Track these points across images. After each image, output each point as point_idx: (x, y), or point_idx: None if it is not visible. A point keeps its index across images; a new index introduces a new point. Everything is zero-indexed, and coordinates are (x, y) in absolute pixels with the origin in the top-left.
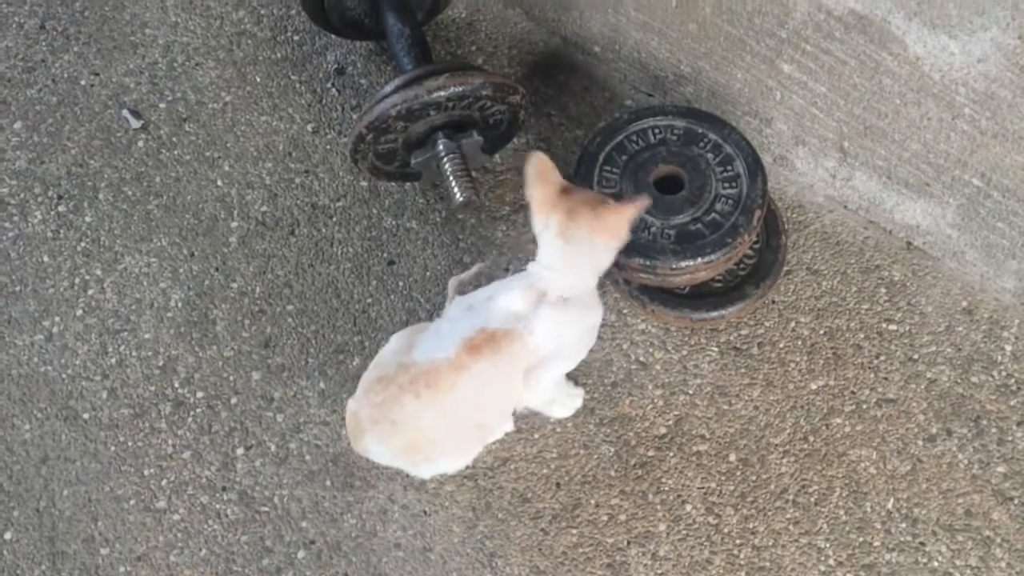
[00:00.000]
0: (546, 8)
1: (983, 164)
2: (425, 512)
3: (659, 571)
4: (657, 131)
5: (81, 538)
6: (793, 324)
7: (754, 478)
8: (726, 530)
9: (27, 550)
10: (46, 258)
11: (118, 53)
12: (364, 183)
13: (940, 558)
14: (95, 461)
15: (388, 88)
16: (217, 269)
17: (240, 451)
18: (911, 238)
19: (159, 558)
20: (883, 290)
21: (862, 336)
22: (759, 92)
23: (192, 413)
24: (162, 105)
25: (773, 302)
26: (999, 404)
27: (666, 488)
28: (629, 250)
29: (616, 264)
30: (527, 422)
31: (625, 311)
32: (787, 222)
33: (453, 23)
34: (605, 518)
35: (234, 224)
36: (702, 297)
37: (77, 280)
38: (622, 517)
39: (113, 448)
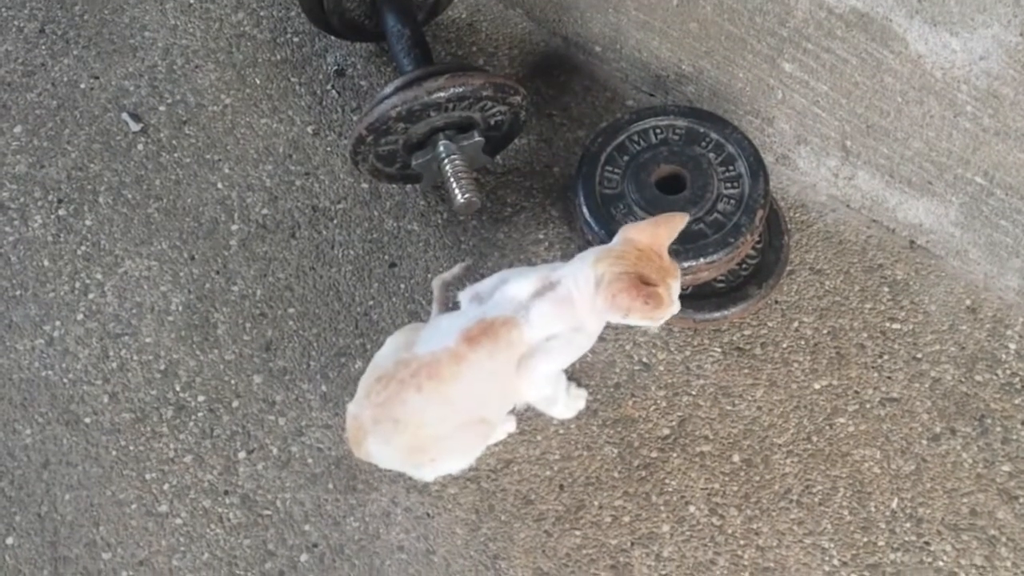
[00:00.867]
0: (547, 8)
1: (986, 162)
2: (428, 514)
3: (663, 572)
4: (659, 131)
5: (83, 543)
6: (796, 324)
7: (758, 478)
8: (730, 531)
9: (29, 555)
10: (46, 262)
11: (117, 56)
12: (365, 185)
13: (945, 557)
14: (97, 465)
15: (388, 89)
16: (218, 272)
17: (242, 455)
18: (914, 237)
19: (161, 562)
20: (886, 289)
21: (865, 335)
22: (761, 91)
23: (194, 417)
24: (162, 108)
25: (776, 302)
26: (1003, 403)
27: (670, 489)
28: None
29: None
30: (530, 424)
31: None
32: (790, 222)
33: (453, 24)
34: (609, 519)
35: (235, 227)
36: (705, 297)
37: (78, 284)
38: (626, 518)
39: (115, 452)
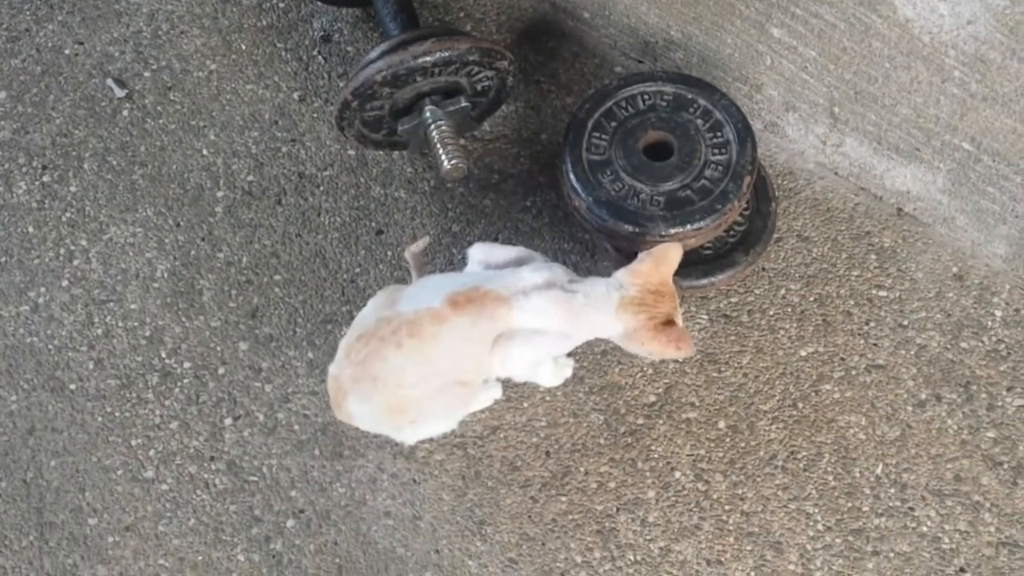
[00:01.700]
0: None
1: (973, 128)
2: (415, 481)
3: (648, 537)
4: (646, 97)
5: (69, 508)
6: (783, 291)
7: (743, 444)
8: (715, 496)
9: (15, 521)
10: (31, 229)
11: (102, 22)
12: (351, 152)
13: (929, 523)
14: (82, 432)
15: (373, 54)
16: (203, 239)
17: (228, 421)
18: (902, 204)
19: (147, 528)
20: (873, 256)
21: (852, 303)
22: (749, 57)
23: (179, 383)
24: (147, 74)
25: (763, 269)
26: (989, 369)
27: (655, 455)
28: (618, 217)
29: (605, 231)
30: (516, 391)
31: None
32: (777, 189)
33: None
34: (594, 485)
35: (220, 194)
36: (691, 264)
37: (62, 251)
38: (611, 484)
39: (100, 419)
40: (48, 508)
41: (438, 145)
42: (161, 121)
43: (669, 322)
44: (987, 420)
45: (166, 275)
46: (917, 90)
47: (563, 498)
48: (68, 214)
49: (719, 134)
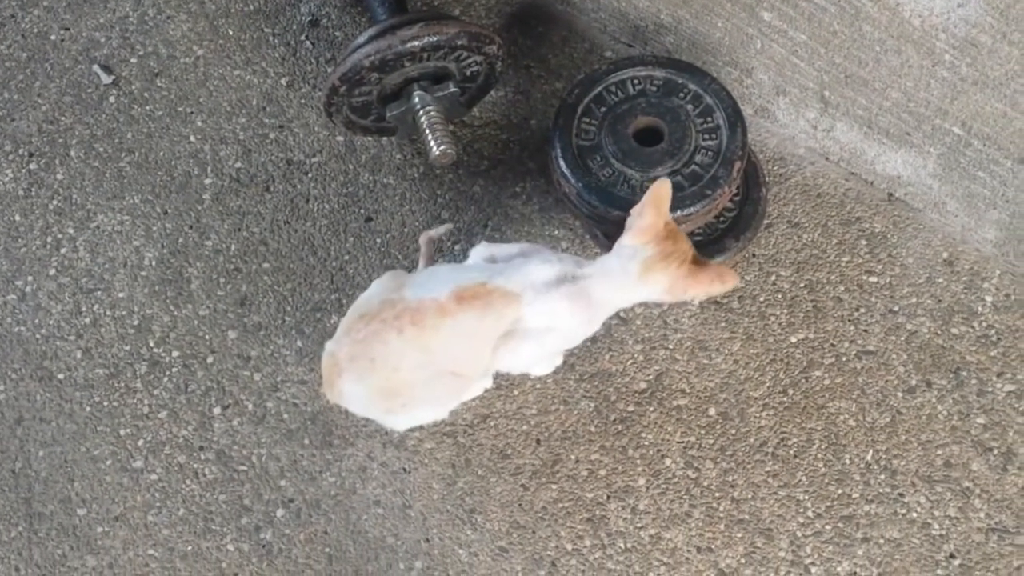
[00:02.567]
0: None
1: (963, 112)
2: (405, 469)
3: (639, 525)
4: (636, 82)
5: (58, 499)
6: (773, 277)
7: (734, 431)
8: (705, 483)
9: (3, 511)
10: (18, 217)
11: (88, 7)
12: (340, 138)
13: (919, 509)
14: (71, 421)
15: (361, 39)
16: (191, 227)
17: (217, 410)
18: (892, 189)
19: (137, 518)
20: (864, 242)
21: (842, 288)
22: (739, 41)
23: (168, 372)
24: (133, 60)
25: (753, 255)
26: (979, 355)
27: (646, 443)
28: (608, 203)
29: (595, 217)
30: (506, 379)
31: None
32: (768, 175)
33: None
34: (585, 473)
35: (208, 181)
36: None
37: (49, 239)
38: (602, 472)
39: (88, 408)
40: (37, 498)
41: (427, 131)
42: (148, 107)
43: (696, 260)
44: (977, 406)
45: (154, 263)
46: (907, 74)
47: (553, 486)
48: (55, 202)
49: (709, 119)
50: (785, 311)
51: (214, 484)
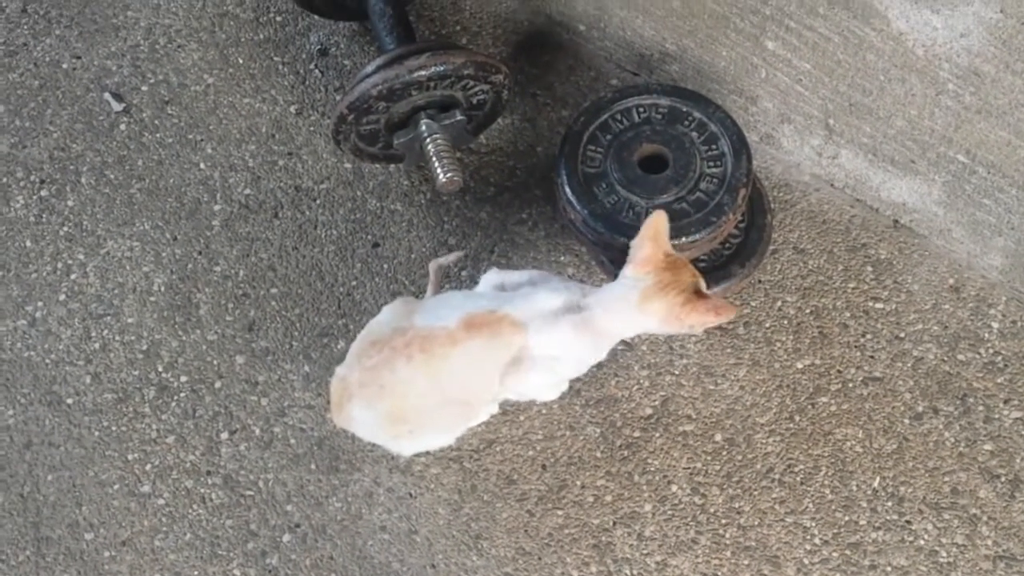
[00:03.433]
0: None
1: (968, 140)
2: (411, 495)
3: (645, 551)
4: (641, 110)
5: (66, 523)
6: (779, 303)
7: (740, 458)
8: (712, 510)
9: (11, 535)
10: (28, 243)
11: (100, 36)
12: (348, 165)
13: (926, 536)
14: (79, 446)
15: (369, 68)
16: (200, 252)
17: (224, 435)
18: (898, 216)
19: (144, 543)
20: (869, 268)
21: (848, 315)
22: (744, 70)
23: (176, 397)
24: (144, 88)
25: (759, 281)
26: (986, 382)
27: (652, 469)
28: (614, 230)
29: (601, 243)
30: (512, 404)
31: None
32: (773, 201)
33: (437, 3)
34: (591, 499)
35: (217, 207)
36: None
37: (60, 265)
38: (608, 498)
39: (97, 433)
40: (45, 523)
41: (434, 158)
42: (158, 135)
43: (697, 292)
44: (984, 432)
45: (163, 289)
46: (912, 102)
47: (559, 512)
48: (66, 228)
49: (714, 147)
50: (791, 337)
51: (221, 509)
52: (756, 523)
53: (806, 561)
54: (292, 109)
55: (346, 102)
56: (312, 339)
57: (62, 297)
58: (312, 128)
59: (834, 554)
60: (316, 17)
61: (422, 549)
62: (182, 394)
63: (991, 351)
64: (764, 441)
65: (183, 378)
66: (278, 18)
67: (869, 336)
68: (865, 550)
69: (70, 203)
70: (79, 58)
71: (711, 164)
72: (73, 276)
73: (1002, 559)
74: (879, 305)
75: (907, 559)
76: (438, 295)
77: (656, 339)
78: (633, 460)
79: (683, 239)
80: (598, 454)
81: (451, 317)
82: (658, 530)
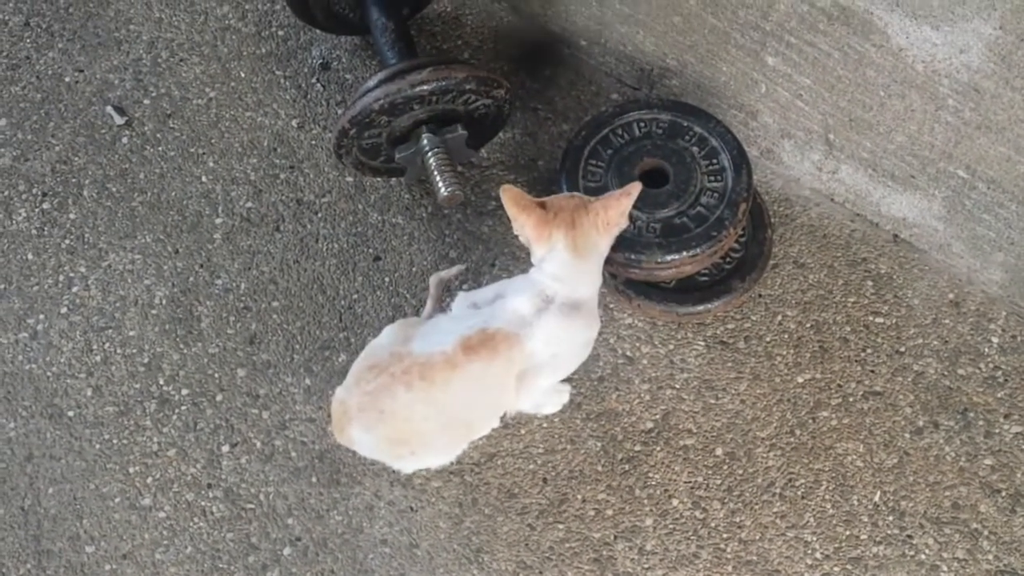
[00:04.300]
0: (532, 2)
1: (968, 155)
2: (411, 508)
3: (646, 565)
4: (642, 124)
5: (66, 536)
6: (780, 318)
7: (741, 472)
8: (713, 524)
9: (12, 548)
10: (30, 256)
11: (102, 50)
12: (349, 179)
13: (927, 551)
14: (80, 459)
15: (371, 82)
16: (202, 266)
17: (225, 448)
18: (898, 231)
19: (144, 556)
20: (870, 283)
21: (849, 329)
22: (744, 85)
23: (177, 410)
24: (146, 101)
25: (759, 296)
26: (986, 396)
27: (653, 482)
28: (615, 245)
29: None
30: (513, 418)
31: (611, 305)
32: (773, 216)
33: (439, 17)
34: (592, 513)
35: (219, 220)
36: (688, 291)
37: (62, 277)
38: (609, 512)
39: (98, 446)
40: (46, 536)
41: (435, 172)
42: (160, 148)
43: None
44: (985, 447)
45: (164, 302)
46: (912, 118)
47: (560, 525)
48: (67, 241)
49: (715, 161)
50: (792, 351)
51: (222, 522)
52: (757, 537)
53: (807, 575)
54: (294, 123)
55: (348, 116)
56: (313, 352)
57: (64, 310)
58: (314, 142)
59: (835, 568)
60: (318, 31)
61: (423, 563)
62: (183, 407)
63: (991, 366)
64: (765, 455)
65: (184, 391)
66: (280, 32)
67: (870, 350)
68: (866, 564)
69: (72, 216)
70: (81, 71)
71: (712, 179)
72: (75, 289)
73: (1003, 573)
74: (879, 319)
75: (908, 574)
76: (429, 320)
77: (657, 353)
78: (634, 474)
79: (683, 254)
80: (599, 468)
81: (447, 341)
82: (659, 544)
